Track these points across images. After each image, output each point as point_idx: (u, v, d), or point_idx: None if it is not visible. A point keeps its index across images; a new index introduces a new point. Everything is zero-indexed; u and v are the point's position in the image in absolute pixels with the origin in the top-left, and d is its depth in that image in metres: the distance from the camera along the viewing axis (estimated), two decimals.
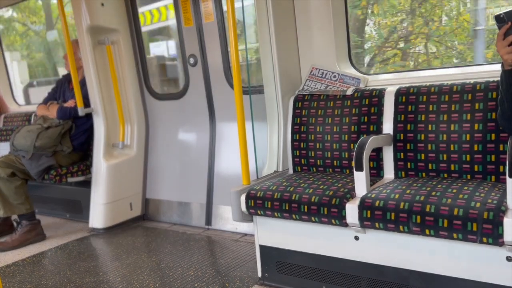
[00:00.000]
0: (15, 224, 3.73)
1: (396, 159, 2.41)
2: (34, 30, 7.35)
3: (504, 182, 2.07)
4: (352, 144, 2.54)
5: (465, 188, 1.95)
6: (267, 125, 2.90)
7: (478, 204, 1.77)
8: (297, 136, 2.75)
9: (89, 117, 3.86)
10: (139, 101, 4.05)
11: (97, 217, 3.80)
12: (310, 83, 2.86)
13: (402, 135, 2.39)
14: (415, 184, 2.08)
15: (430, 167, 2.31)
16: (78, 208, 4.17)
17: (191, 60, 3.67)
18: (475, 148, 2.18)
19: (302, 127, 2.74)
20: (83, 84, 3.80)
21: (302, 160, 2.73)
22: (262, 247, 2.52)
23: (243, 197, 2.39)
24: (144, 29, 4.50)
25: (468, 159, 2.19)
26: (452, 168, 2.24)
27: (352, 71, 2.84)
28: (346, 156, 2.57)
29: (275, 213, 2.29)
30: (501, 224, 1.69)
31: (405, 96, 2.42)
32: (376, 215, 1.96)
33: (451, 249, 1.92)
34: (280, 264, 2.47)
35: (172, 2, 3.71)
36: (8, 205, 3.53)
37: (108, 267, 3.02)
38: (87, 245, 3.52)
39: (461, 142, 2.21)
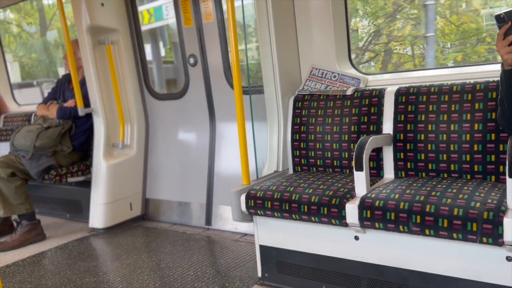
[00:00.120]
0: (15, 224, 3.73)
1: (396, 159, 2.41)
2: (28, 31, 7.35)
3: (504, 182, 2.07)
4: (352, 144, 2.54)
5: (465, 188, 1.96)
6: (267, 125, 2.90)
7: (478, 204, 1.77)
8: (297, 136, 2.75)
9: (89, 117, 3.86)
10: (139, 101, 4.05)
11: (97, 217, 3.80)
12: (310, 83, 2.86)
13: (402, 135, 2.39)
14: (415, 184, 2.08)
15: (430, 167, 2.31)
16: (78, 208, 4.17)
17: (191, 60, 3.67)
18: (475, 148, 2.18)
19: (302, 127, 2.74)
20: (83, 84, 3.80)
21: (302, 160, 2.73)
22: (262, 247, 2.52)
23: (243, 197, 2.39)
24: None
25: (468, 159, 2.19)
26: (452, 168, 2.24)
27: (352, 71, 2.84)
28: (346, 156, 2.57)
29: (275, 213, 2.29)
30: (501, 224, 1.69)
31: (405, 96, 2.42)
32: (376, 215, 1.96)
33: (451, 249, 1.92)
34: (280, 264, 2.47)
35: (152, 7, 3.73)
36: (8, 205, 3.53)
37: (108, 267, 3.02)
38: (87, 245, 3.52)
39: (461, 142, 2.21)
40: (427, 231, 1.85)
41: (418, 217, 1.85)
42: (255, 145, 2.74)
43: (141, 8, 4.86)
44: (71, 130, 3.80)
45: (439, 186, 2.01)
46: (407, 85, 2.47)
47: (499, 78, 1.95)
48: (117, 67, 3.91)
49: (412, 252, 2.03)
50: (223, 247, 3.22)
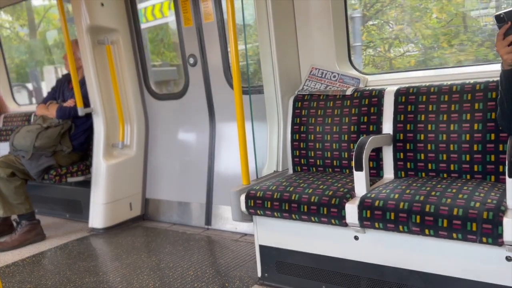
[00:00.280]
0: (14, 224, 3.73)
1: (395, 159, 2.41)
2: (16, 33, 7.32)
3: (503, 182, 2.07)
4: (351, 144, 2.54)
5: (465, 188, 1.96)
6: (267, 125, 2.90)
7: (477, 204, 1.77)
8: (297, 136, 2.75)
9: (88, 117, 3.86)
10: (138, 101, 4.05)
11: (97, 217, 3.80)
12: (309, 83, 2.86)
13: (401, 135, 2.39)
14: (414, 184, 2.08)
15: (429, 167, 2.31)
16: (78, 208, 4.17)
17: (191, 60, 3.67)
18: (475, 148, 2.18)
19: (302, 127, 2.74)
20: (82, 84, 3.80)
21: (302, 160, 2.73)
22: (261, 247, 2.52)
23: (242, 197, 2.39)
24: None
25: (467, 159, 2.20)
26: (452, 168, 2.24)
27: (351, 71, 2.84)
28: (346, 156, 2.57)
29: (275, 213, 2.29)
30: (501, 224, 1.69)
31: (404, 96, 2.42)
32: (375, 215, 1.96)
33: (451, 249, 1.92)
34: (280, 264, 2.47)
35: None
36: (8, 205, 3.53)
37: (108, 267, 3.02)
38: (87, 245, 3.52)
39: (460, 142, 2.21)
40: (426, 231, 1.85)
41: (418, 217, 1.85)
42: (254, 145, 2.74)
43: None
44: (70, 130, 3.80)
45: (438, 186, 2.01)
46: (406, 85, 2.47)
47: (498, 78, 1.95)
48: (117, 67, 3.91)
49: (412, 252, 2.03)
50: (223, 247, 3.22)
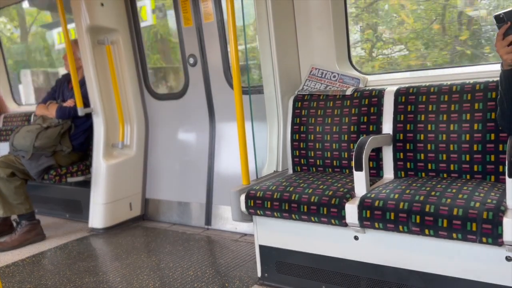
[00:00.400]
0: (14, 224, 3.73)
1: (395, 159, 2.41)
2: (7, 37, 7.29)
3: (503, 182, 2.07)
4: (351, 144, 2.54)
5: (465, 188, 1.96)
6: (267, 125, 2.90)
7: (477, 204, 1.77)
8: (297, 136, 2.75)
9: (88, 117, 3.86)
10: (138, 101, 4.05)
11: (97, 217, 3.80)
12: (309, 83, 2.86)
13: (401, 135, 2.39)
14: (414, 184, 2.08)
15: (429, 167, 2.31)
16: (78, 208, 4.17)
17: (191, 60, 3.67)
18: (475, 148, 2.18)
19: (302, 127, 2.74)
20: (82, 84, 3.80)
21: (302, 160, 2.73)
22: (261, 247, 2.52)
23: (242, 197, 2.39)
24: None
25: (467, 159, 2.20)
26: (452, 168, 2.24)
27: (351, 71, 2.84)
28: (346, 156, 2.57)
29: (275, 213, 2.29)
30: (501, 224, 1.69)
31: (404, 96, 2.42)
32: (375, 215, 1.96)
33: (451, 249, 1.92)
34: (279, 264, 2.47)
35: None
36: (8, 205, 3.53)
37: (108, 267, 3.02)
38: (87, 245, 3.52)
39: (460, 142, 2.21)
40: (426, 231, 1.85)
41: (418, 217, 1.85)
42: (254, 145, 2.75)
43: None
44: (70, 130, 3.80)
45: (438, 186, 2.01)
46: (406, 85, 2.47)
47: (498, 78, 1.95)
48: (117, 67, 3.91)
49: (412, 252, 2.03)
50: (223, 247, 3.22)
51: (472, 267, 1.89)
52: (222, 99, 3.61)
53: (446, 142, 2.25)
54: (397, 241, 2.06)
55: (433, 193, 1.92)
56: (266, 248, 2.50)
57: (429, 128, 2.31)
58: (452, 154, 2.24)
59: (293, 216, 2.23)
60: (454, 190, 1.93)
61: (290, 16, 2.89)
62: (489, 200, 1.79)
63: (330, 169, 2.64)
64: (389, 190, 2.05)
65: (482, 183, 2.03)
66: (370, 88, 2.62)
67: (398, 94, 2.45)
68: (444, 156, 2.26)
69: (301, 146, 2.73)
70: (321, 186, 2.24)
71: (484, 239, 1.72)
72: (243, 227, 3.38)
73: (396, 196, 1.96)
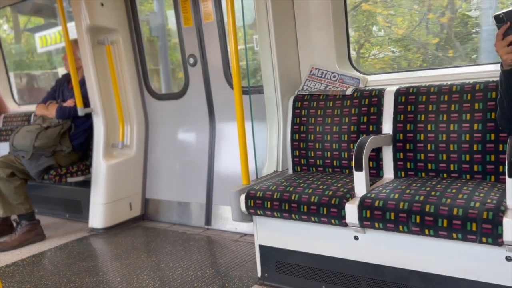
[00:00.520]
0: (14, 224, 3.73)
1: (395, 159, 2.41)
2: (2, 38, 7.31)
3: (503, 182, 2.07)
4: (351, 144, 2.54)
5: (465, 188, 1.96)
6: (267, 125, 2.90)
7: (477, 204, 1.77)
8: (297, 136, 2.75)
9: (88, 117, 3.86)
10: (138, 101, 4.05)
11: (97, 217, 3.80)
12: (309, 83, 2.86)
13: (401, 135, 2.39)
14: (414, 184, 2.08)
15: (429, 167, 2.31)
16: (78, 208, 4.17)
17: (191, 60, 3.67)
18: (475, 148, 2.18)
19: (302, 127, 2.74)
20: (82, 84, 3.80)
21: (302, 160, 2.73)
22: (261, 247, 2.52)
23: (242, 197, 2.39)
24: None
25: (467, 159, 2.20)
26: (452, 168, 2.24)
27: (351, 71, 2.84)
28: (346, 156, 2.57)
29: (275, 213, 2.29)
30: (501, 224, 1.69)
31: (404, 96, 2.42)
32: (375, 215, 1.96)
33: (451, 249, 1.92)
34: (279, 264, 2.47)
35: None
36: (8, 205, 3.53)
37: (108, 267, 3.02)
38: (87, 245, 3.52)
39: (460, 142, 2.22)
40: (426, 231, 1.85)
41: (418, 217, 1.85)
42: (254, 145, 2.74)
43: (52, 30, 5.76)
44: (70, 130, 3.80)
45: (438, 186, 2.01)
46: (406, 85, 2.47)
47: (498, 78, 1.95)
48: (117, 67, 3.91)
49: (412, 252, 2.03)
50: (223, 247, 3.22)
51: (472, 267, 1.89)
52: (222, 99, 3.61)
53: (446, 142, 2.25)
54: (397, 241, 2.06)
55: (433, 193, 1.92)
56: (266, 248, 2.50)
57: (429, 128, 2.31)
58: (452, 154, 2.24)
59: (293, 216, 2.23)
60: (454, 190, 1.93)
61: (290, 16, 2.89)
62: (489, 200, 1.79)
63: (330, 169, 2.64)
64: (389, 190, 2.05)
65: (482, 183, 2.03)
66: (370, 88, 2.62)
67: (398, 94, 2.45)
68: (444, 156, 2.26)
69: (301, 146, 2.73)
70: (321, 186, 2.24)
71: (484, 239, 1.72)
72: (243, 227, 3.38)
73: (396, 196, 1.96)
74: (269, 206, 2.29)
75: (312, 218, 2.17)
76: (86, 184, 3.95)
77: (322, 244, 2.30)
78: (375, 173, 2.50)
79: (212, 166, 3.69)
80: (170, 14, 3.92)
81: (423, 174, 2.34)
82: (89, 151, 3.97)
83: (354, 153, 2.13)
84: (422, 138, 2.33)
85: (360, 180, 2.12)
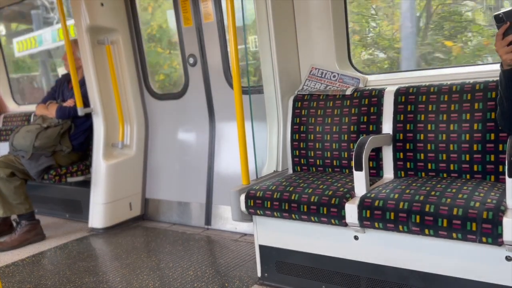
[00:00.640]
0: (14, 224, 3.73)
1: (395, 159, 2.41)
2: None
3: (503, 182, 2.07)
4: (351, 144, 2.54)
5: (465, 188, 1.96)
6: (267, 125, 2.90)
7: (477, 204, 1.77)
8: (297, 136, 2.75)
9: (88, 117, 3.86)
10: (138, 101, 4.05)
11: (97, 217, 3.80)
12: (309, 83, 2.86)
13: (401, 135, 2.39)
14: (414, 184, 2.08)
15: (429, 167, 2.31)
16: (78, 208, 4.17)
17: (191, 60, 3.67)
18: (475, 148, 2.18)
19: (302, 127, 2.74)
20: (82, 83, 3.80)
21: (302, 160, 2.73)
22: (261, 247, 2.52)
23: (242, 197, 2.39)
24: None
25: (467, 158, 2.20)
26: (452, 168, 2.24)
27: (351, 71, 2.84)
28: (346, 156, 2.57)
29: (275, 213, 2.29)
30: (501, 223, 1.69)
31: (404, 96, 2.42)
32: (375, 215, 1.96)
33: (451, 249, 1.92)
34: (279, 264, 2.47)
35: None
36: (8, 205, 3.53)
37: (108, 267, 3.02)
38: (87, 245, 3.52)
39: (460, 142, 2.22)
40: (426, 231, 1.85)
41: (418, 216, 1.85)
42: (254, 145, 2.74)
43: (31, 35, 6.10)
44: (70, 130, 3.80)
45: (438, 186, 2.01)
46: (406, 85, 2.47)
47: (498, 78, 1.95)
48: (117, 67, 3.91)
49: (412, 252, 2.03)
50: (223, 247, 3.22)
51: (472, 267, 1.89)
52: (222, 99, 3.61)
53: (446, 142, 2.25)
54: (397, 241, 2.06)
55: (433, 193, 1.92)
56: (266, 248, 2.50)
57: (429, 128, 2.31)
58: (452, 154, 2.24)
59: (293, 216, 2.23)
60: (454, 190, 1.93)
61: (290, 16, 2.89)
62: (489, 200, 1.79)
63: (330, 169, 2.64)
64: (389, 190, 2.05)
65: (482, 183, 2.03)
66: (370, 88, 2.62)
67: (398, 94, 2.45)
68: (444, 156, 2.26)
69: (301, 146, 2.73)
70: (321, 186, 2.24)
71: (484, 239, 1.72)
72: (243, 227, 3.38)
73: (396, 196, 1.96)
74: (269, 206, 2.29)
75: (312, 218, 2.17)
76: (86, 184, 3.95)
77: (322, 244, 2.30)
78: (375, 173, 2.50)
79: (212, 166, 3.69)
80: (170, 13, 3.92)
81: (423, 174, 2.34)
82: (89, 151, 3.97)
83: (354, 153, 2.13)
84: (422, 138, 2.33)
85: (360, 180, 2.12)
